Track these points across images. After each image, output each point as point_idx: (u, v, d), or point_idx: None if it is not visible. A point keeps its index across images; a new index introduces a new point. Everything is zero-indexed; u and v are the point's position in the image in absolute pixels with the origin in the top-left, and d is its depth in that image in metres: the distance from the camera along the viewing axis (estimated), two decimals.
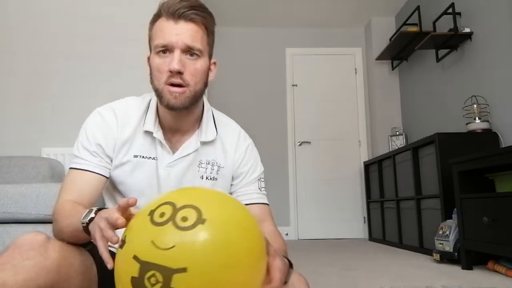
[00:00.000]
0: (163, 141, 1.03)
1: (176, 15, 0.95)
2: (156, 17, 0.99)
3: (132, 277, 0.61)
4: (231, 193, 1.12)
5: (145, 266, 0.60)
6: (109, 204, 1.10)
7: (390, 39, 4.17)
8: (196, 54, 0.98)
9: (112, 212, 0.71)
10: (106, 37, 3.09)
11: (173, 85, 0.95)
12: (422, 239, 2.96)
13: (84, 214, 0.81)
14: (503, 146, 2.62)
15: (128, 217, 0.72)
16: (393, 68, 4.41)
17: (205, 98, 1.12)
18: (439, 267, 2.26)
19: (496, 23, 2.74)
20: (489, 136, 2.69)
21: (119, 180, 1.04)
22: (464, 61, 3.14)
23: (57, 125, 2.94)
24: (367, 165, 4.24)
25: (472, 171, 2.21)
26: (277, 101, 4.67)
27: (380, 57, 4.33)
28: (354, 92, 4.73)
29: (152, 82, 1.00)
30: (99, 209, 0.80)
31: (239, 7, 4.33)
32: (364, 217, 4.42)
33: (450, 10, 3.18)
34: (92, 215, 0.79)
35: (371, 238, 4.11)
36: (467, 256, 2.15)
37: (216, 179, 1.09)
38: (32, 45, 3.04)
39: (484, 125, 2.72)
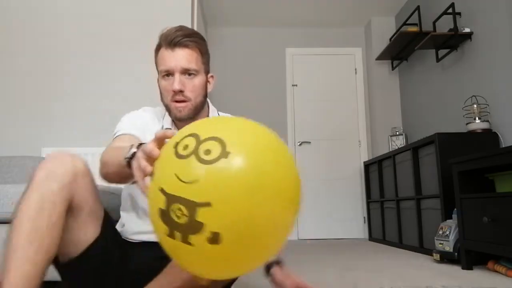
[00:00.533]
0: None
1: (173, 44, 1.14)
2: (158, 47, 1.19)
3: (160, 209, 0.62)
4: None
5: (171, 198, 0.61)
6: (125, 190, 1.26)
7: (390, 39, 4.17)
8: (193, 74, 1.16)
9: (148, 143, 0.74)
10: (107, 37, 3.09)
11: (177, 101, 1.16)
12: (422, 239, 2.96)
13: (127, 151, 0.87)
14: (503, 146, 2.62)
15: None
16: (393, 68, 4.41)
17: (210, 103, 1.32)
18: (439, 267, 2.26)
19: (496, 23, 2.74)
20: (489, 136, 2.69)
21: None
22: (464, 61, 3.14)
23: (57, 125, 2.94)
24: (367, 165, 4.24)
25: (472, 171, 2.21)
26: (277, 101, 4.67)
27: (380, 57, 4.33)
28: (354, 92, 4.73)
29: (161, 99, 1.21)
30: (140, 144, 0.84)
31: (239, 7, 4.33)
32: (364, 217, 4.41)
33: (450, 10, 3.18)
34: (134, 149, 0.83)
35: (371, 238, 4.10)
36: (467, 256, 2.15)
37: None
38: (32, 46, 3.04)
39: (484, 125, 2.72)
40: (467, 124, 2.82)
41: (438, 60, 3.39)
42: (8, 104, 2.95)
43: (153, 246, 1.13)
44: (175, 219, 0.60)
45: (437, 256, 2.40)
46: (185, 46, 1.15)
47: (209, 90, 1.25)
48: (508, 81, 2.63)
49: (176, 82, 1.13)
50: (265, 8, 4.35)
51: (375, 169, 3.99)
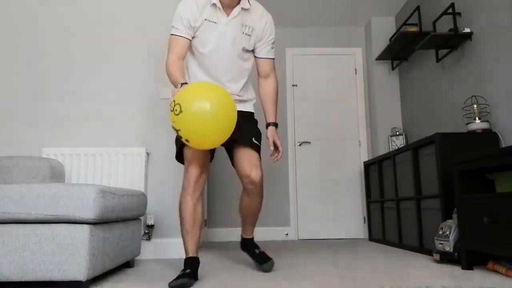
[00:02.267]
0: (221, 9, 1.95)
1: None
2: None
3: (170, 110, 1.62)
4: (255, 49, 2.16)
5: (172, 115, 1.61)
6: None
7: (390, 39, 4.17)
8: None
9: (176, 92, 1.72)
10: (107, 37, 3.09)
11: None
12: (422, 239, 2.96)
13: (175, 84, 1.83)
14: (503, 146, 2.62)
15: None
16: (393, 68, 4.41)
17: None
18: (439, 267, 2.26)
19: (496, 23, 2.74)
20: (489, 136, 2.69)
21: (197, 36, 1.99)
22: (464, 61, 3.14)
23: (57, 125, 2.94)
24: (367, 165, 4.24)
25: (472, 171, 2.21)
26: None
27: (380, 57, 4.33)
28: (354, 92, 4.73)
29: None
30: (182, 84, 1.76)
31: None
32: (364, 217, 4.42)
33: (450, 10, 3.18)
34: (179, 87, 1.73)
35: (371, 238, 4.10)
36: (467, 256, 2.15)
37: (250, 35, 2.07)
38: (32, 45, 3.04)
39: (484, 125, 2.72)
40: (467, 124, 2.82)
41: (438, 60, 3.40)
42: (9, 104, 2.95)
43: None
44: (171, 110, 1.61)
45: (437, 256, 2.40)
46: None
47: None
48: (508, 81, 2.63)
49: None
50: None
51: (375, 169, 3.99)
